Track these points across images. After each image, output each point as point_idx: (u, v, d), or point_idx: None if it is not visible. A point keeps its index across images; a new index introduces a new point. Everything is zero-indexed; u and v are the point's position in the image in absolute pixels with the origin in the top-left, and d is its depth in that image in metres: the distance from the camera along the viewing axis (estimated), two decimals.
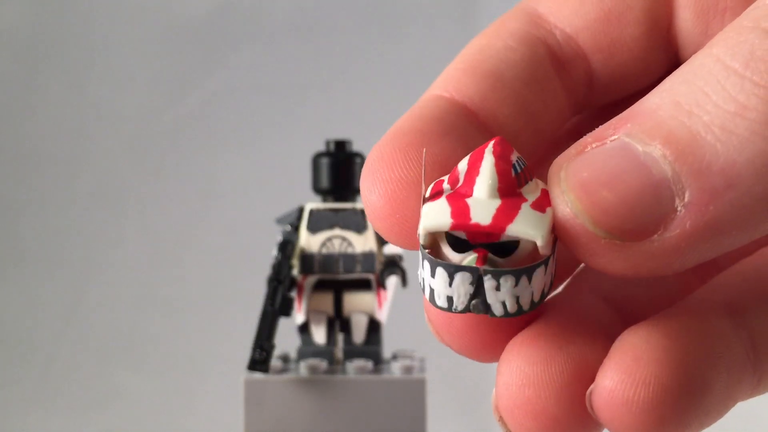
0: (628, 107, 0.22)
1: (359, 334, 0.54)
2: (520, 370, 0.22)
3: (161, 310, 0.88)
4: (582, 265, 0.27)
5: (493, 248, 0.22)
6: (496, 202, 0.22)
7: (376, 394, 0.52)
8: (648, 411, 0.21)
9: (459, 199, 0.22)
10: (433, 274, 0.22)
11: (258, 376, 0.52)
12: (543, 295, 0.22)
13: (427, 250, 0.22)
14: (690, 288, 0.26)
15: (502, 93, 0.25)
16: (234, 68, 0.91)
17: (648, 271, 0.21)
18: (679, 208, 0.20)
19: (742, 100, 0.20)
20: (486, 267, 0.21)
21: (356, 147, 0.56)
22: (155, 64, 0.91)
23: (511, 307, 0.22)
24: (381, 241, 0.54)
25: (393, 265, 0.54)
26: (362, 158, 0.56)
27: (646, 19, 0.27)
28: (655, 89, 0.21)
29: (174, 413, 0.86)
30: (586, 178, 0.21)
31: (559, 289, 0.26)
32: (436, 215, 0.22)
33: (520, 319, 0.23)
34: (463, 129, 0.25)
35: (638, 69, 0.27)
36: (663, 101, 0.21)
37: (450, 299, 0.22)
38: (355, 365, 0.52)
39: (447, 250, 0.22)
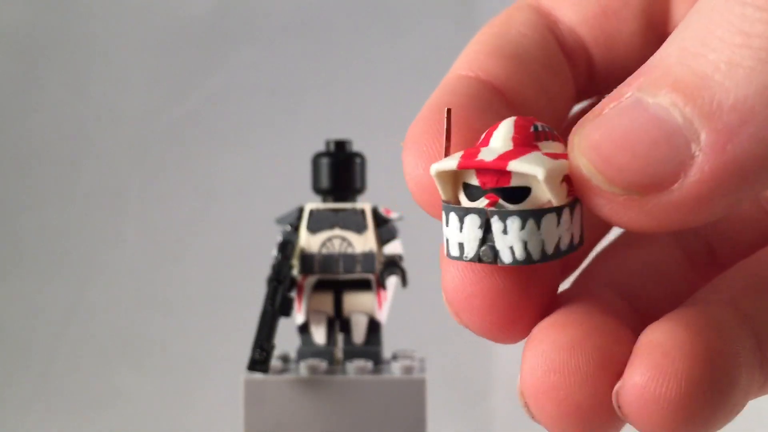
0: None
1: (359, 334, 0.54)
2: (546, 356, 0.22)
3: (161, 310, 0.88)
4: (590, 259, 0.27)
5: (506, 196, 0.22)
6: (508, 148, 0.22)
7: (376, 394, 0.52)
8: (678, 407, 0.21)
9: (473, 149, 0.22)
10: (447, 222, 0.22)
11: (258, 376, 0.51)
12: (558, 251, 0.22)
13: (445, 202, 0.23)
14: (695, 285, 0.26)
15: (525, 74, 0.26)
16: (234, 68, 0.91)
17: (674, 223, 0.21)
18: (696, 153, 0.20)
19: (746, 29, 0.19)
20: (493, 209, 0.22)
21: (356, 147, 0.56)
22: (155, 64, 0.91)
23: (519, 253, 0.21)
24: (381, 241, 0.54)
25: (393, 265, 0.54)
26: (362, 158, 0.56)
27: (642, 15, 0.27)
28: (667, 40, 0.21)
29: (174, 413, 0.86)
30: (597, 139, 0.21)
31: (568, 284, 0.26)
32: (447, 160, 0.22)
33: (540, 299, 0.23)
34: (497, 106, 0.25)
35: (635, 62, 0.27)
36: (671, 48, 0.20)
37: (461, 246, 0.22)
38: (355, 365, 0.52)
39: (464, 200, 0.22)
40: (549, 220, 0.21)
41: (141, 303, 0.89)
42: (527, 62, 0.26)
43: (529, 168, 0.21)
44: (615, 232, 0.28)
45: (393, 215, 0.55)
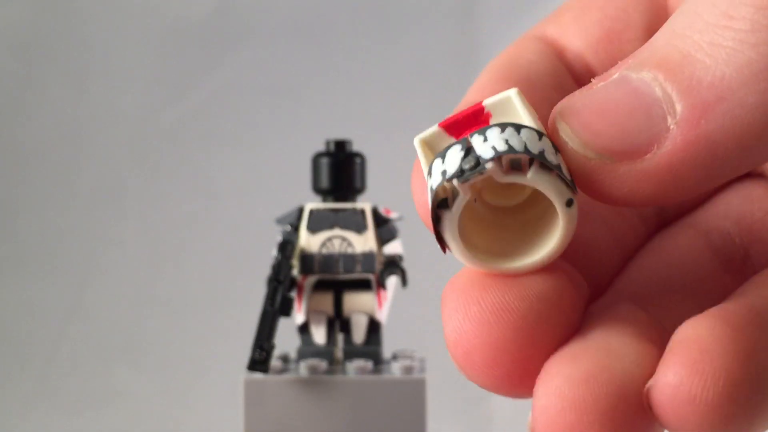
0: None
1: (359, 334, 0.54)
2: (560, 393, 0.20)
3: (161, 310, 0.88)
4: (619, 276, 0.27)
5: None
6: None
7: (376, 394, 0.52)
8: (716, 408, 0.20)
9: None
10: (431, 172, 0.22)
11: (258, 376, 0.51)
12: (544, 157, 0.21)
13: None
14: (729, 292, 0.25)
15: (535, 95, 0.26)
16: (234, 68, 0.91)
17: (644, 194, 0.21)
18: (671, 126, 0.20)
19: (730, 13, 0.20)
20: (472, 131, 0.22)
21: (356, 147, 0.56)
22: (155, 64, 0.91)
23: (501, 146, 0.21)
24: (381, 241, 0.54)
25: (393, 265, 0.54)
26: (362, 158, 0.56)
27: (644, 37, 0.27)
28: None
29: (174, 413, 0.85)
30: (579, 107, 0.21)
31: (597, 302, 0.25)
32: (428, 129, 0.23)
33: (552, 347, 0.22)
34: None
35: None
36: (661, 33, 0.21)
37: (444, 172, 0.21)
38: (355, 365, 0.52)
39: None
40: (529, 133, 0.21)
41: (141, 303, 0.89)
42: (538, 86, 0.26)
43: (502, 94, 0.22)
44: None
45: (393, 215, 0.55)
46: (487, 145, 0.21)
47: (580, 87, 0.27)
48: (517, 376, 0.22)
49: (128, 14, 0.90)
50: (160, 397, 0.86)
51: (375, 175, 0.56)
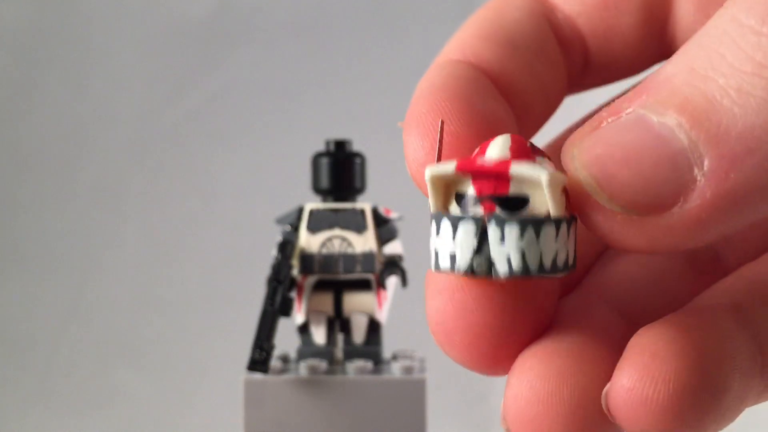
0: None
1: (359, 334, 0.54)
2: (531, 385, 0.22)
3: (161, 310, 0.88)
4: (592, 271, 0.27)
5: (502, 205, 0.21)
6: (506, 157, 0.21)
7: (376, 394, 0.52)
8: (667, 410, 0.21)
9: (469, 158, 0.22)
10: (438, 231, 0.21)
11: (258, 376, 0.51)
12: (555, 267, 0.21)
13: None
14: (698, 293, 0.25)
15: (518, 61, 0.25)
16: (233, 68, 0.91)
17: (668, 245, 0.21)
18: (698, 178, 0.19)
19: (759, 59, 0.19)
20: (490, 214, 0.21)
21: (356, 147, 0.56)
22: (155, 64, 0.91)
23: (516, 263, 0.20)
24: (381, 241, 0.54)
25: (393, 265, 0.54)
26: (362, 158, 0.56)
27: (642, 9, 0.27)
28: (671, 57, 0.21)
29: (174, 413, 0.86)
30: (600, 154, 0.20)
31: (570, 297, 0.26)
32: (444, 164, 0.22)
33: (528, 335, 0.23)
34: (490, 92, 0.25)
35: (633, 57, 0.27)
36: (678, 69, 0.20)
37: (453, 257, 0.21)
38: (355, 365, 0.52)
39: (455, 210, 0.22)
40: (548, 231, 0.21)
41: (141, 303, 0.89)
42: (520, 49, 0.26)
43: (533, 171, 0.21)
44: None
45: (393, 215, 0.55)
46: (503, 250, 0.21)
47: (565, 51, 0.27)
48: (492, 358, 0.23)
49: (128, 14, 0.91)
50: (160, 397, 0.86)
51: (375, 175, 0.56)
